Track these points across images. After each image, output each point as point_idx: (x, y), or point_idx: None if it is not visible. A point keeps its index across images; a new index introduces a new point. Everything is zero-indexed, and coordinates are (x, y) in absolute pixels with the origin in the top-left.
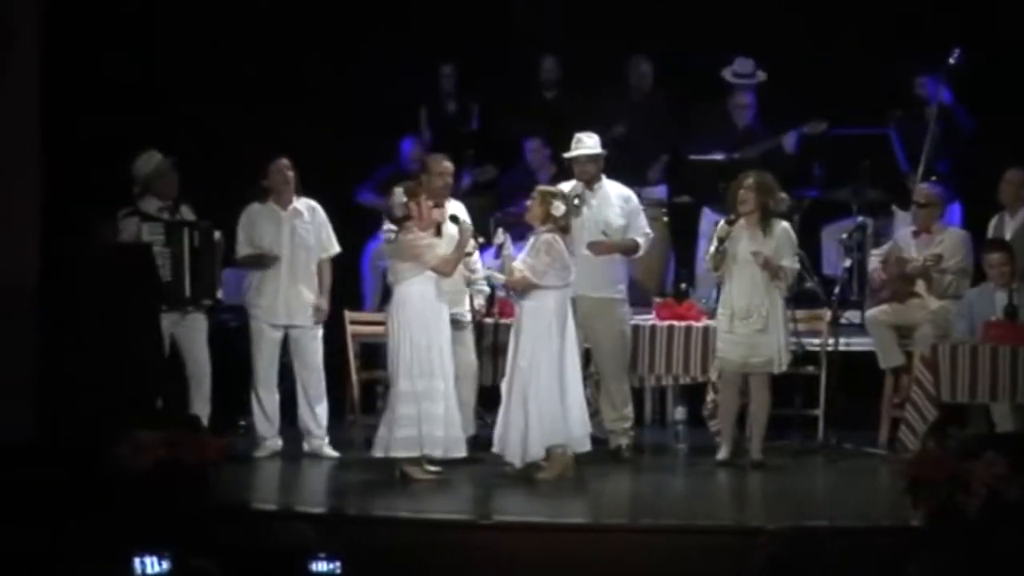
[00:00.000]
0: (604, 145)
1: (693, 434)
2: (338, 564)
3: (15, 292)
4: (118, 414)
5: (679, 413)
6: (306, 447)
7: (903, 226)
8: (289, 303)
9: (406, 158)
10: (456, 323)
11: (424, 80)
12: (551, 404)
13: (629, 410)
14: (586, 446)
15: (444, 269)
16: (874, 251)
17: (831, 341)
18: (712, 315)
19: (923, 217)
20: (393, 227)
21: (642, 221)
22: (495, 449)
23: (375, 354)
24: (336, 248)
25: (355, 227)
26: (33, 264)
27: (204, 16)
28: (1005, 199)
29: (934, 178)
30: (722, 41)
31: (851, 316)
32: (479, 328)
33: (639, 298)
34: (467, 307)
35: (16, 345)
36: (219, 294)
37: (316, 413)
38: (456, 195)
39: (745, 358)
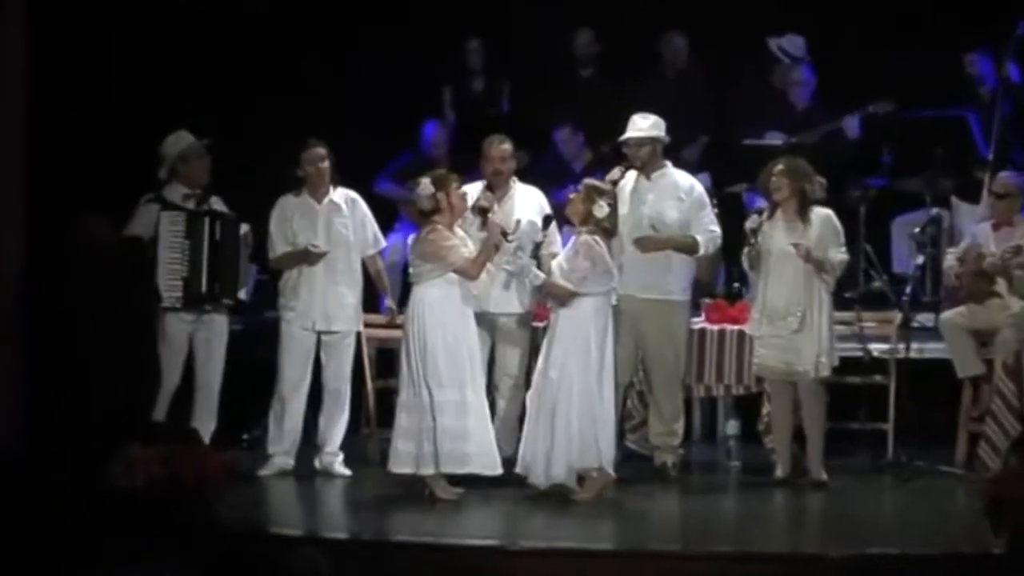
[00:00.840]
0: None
1: (746, 450)
2: None
3: None
4: (109, 427)
5: (731, 427)
6: (317, 464)
7: (968, 221)
8: (327, 306)
9: (428, 143)
10: (501, 324)
11: (448, 57)
12: (581, 422)
13: (679, 425)
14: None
15: (469, 272)
16: (950, 249)
17: (901, 347)
18: None
19: (1002, 209)
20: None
21: (707, 216)
22: (518, 469)
23: (392, 360)
24: (382, 243)
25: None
26: (16, 263)
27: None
28: None
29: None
30: (772, 15)
31: (924, 319)
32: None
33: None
34: (518, 307)
35: None
36: (242, 294)
37: (335, 427)
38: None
39: (787, 364)
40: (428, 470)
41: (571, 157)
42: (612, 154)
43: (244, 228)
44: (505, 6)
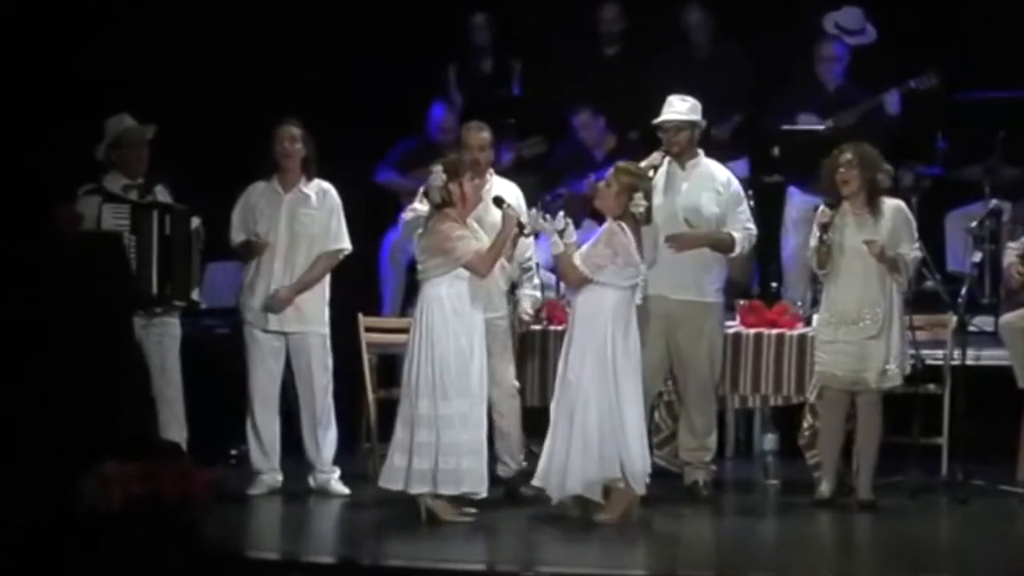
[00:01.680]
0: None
1: (786, 467)
2: None
3: None
4: (82, 441)
5: (769, 442)
6: (312, 482)
7: None
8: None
9: (435, 127)
10: (491, 331)
11: (452, 33)
12: (601, 430)
13: (712, 439)
14: (643, 487)
15: (479, 268)
16: (1011, 243)
17: (957, 353)
18: (808, 321)
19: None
20: (417, 207)
21: (744, 213)
22: (535, 481)
23: (396, 368)
24: (344, 244)
25: (372, 213)
26: None
27: None
28: None
29: None
30: None
31: (982, 322)
32: (523, 339)
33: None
34: (505, 311)
35: None
36: (196, 294)
37: (322, 441)
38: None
39: (855, 372)
40: (421, 488)
41: (592, 143)
42: (639, 140)
43: (196, 221)
44: None
